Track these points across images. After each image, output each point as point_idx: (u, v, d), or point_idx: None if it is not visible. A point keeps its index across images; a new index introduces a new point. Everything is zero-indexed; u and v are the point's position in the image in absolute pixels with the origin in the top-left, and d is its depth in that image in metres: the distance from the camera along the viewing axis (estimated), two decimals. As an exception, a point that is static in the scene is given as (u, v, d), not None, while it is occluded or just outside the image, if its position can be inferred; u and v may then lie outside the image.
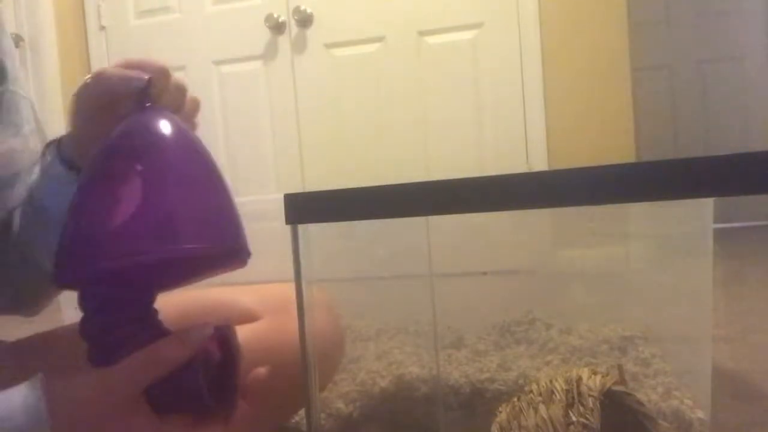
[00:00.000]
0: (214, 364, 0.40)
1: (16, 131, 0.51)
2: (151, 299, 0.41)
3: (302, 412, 0.57)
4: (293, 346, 0.43)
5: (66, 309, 1.09)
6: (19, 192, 0.51)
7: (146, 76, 0.41)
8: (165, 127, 0.41)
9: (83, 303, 0.38)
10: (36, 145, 0.53)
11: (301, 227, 0.37)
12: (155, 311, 0.40)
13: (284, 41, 2.05)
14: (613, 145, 1.82)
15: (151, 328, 0.39)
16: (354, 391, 0.68)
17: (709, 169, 0.28)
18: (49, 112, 2.06)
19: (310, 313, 0.40)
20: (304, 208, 0.36)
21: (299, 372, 0.40)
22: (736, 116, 2.78)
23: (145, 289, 0.40)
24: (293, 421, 0.60)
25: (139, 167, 0.38)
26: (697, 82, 2.85)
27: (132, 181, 0.38)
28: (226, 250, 0.41)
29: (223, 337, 0.41)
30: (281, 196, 0.42)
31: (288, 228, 0.41)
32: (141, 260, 0.37)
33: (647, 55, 2.78)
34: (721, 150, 2.12)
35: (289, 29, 2.05)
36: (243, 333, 0.48)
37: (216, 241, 0.40)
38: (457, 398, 0.65)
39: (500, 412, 0.42)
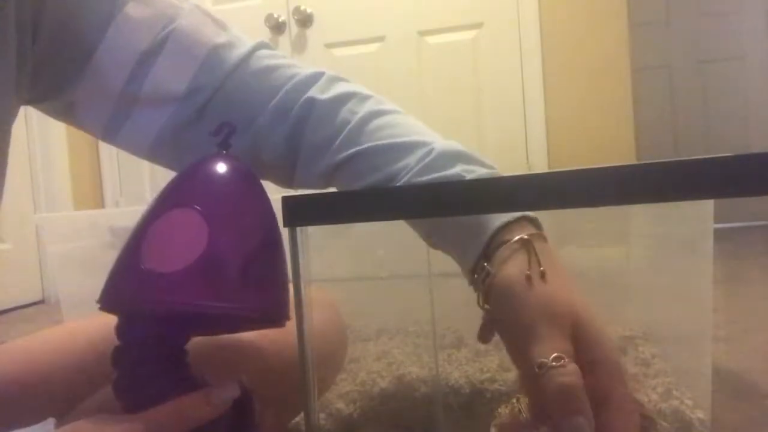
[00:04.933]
0: (230, 412, 0.40)
1: None
2: (185, 341, 0.41)
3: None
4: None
5: (66, 310, 1.09)
6: None
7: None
8: (237, 180, 0.41)
9: (119, 333, 0.38)
10: None
11: (300, 227, 0.37)
12: (186, 353, 0.40)
13: (284, 41, 2.05)
14: (613, 145, 1.82)
15: (180, 371, 0.39)
16: (354, 391, 0.68)
17: (709, 171, 0.28)
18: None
19: (310, 315, 0.40)
20: (302, 211, 0.36)
21: (299, 373, 0.41)
22: (736, 116, 2.78)
23: (180, 331, 0.40)
24: (293, 421, 0.60)
25: (206, 216, 0.38)
26: (697, 82, 2.85)
27: (196, 229, 0.37)
28: (273, 315, 0.41)
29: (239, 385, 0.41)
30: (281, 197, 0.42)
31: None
32: (189, 311, 0.37)
33: (647, 55, 2.78)
34: (721, 150, 2.13)
35: (289, 29, 2.05)
36: (250, 335, 0.49)
37: (266, 305, 0.39)
38: (457, 398, 0.65)
39: (499, 414, 0.42)
